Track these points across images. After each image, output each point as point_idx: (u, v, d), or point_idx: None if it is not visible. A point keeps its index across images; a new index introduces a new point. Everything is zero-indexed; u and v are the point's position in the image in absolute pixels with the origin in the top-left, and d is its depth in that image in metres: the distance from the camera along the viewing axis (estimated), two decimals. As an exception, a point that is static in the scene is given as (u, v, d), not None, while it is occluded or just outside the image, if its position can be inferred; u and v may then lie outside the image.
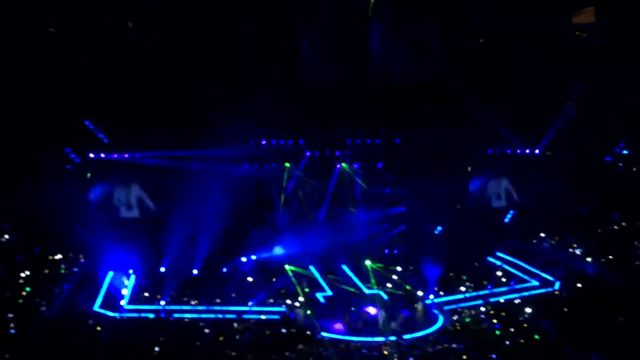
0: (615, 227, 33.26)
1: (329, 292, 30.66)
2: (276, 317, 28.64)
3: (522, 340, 25.42)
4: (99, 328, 27.20)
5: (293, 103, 31.69)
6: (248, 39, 30.51)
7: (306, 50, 31.81)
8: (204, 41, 30.72)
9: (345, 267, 32.70)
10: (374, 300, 29.88)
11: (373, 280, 31.57)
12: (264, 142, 33.50)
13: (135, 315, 29.04)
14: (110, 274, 31.73)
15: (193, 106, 30.93)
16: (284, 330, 27.06)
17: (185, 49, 30.72)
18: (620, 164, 33.97)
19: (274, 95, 30.82)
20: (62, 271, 31.55)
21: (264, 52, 30.74)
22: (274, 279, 31.86)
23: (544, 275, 31.15)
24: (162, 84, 30.58)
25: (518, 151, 34.05)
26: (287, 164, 34.21)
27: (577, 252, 32.94)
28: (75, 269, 31.96)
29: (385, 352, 25.05)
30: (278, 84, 31.18)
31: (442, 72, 32.51)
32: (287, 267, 32.64)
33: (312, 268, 32.50)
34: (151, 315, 28.88)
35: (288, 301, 29.93)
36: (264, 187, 34.55)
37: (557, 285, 30.56)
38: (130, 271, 32.11)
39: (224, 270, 32.62)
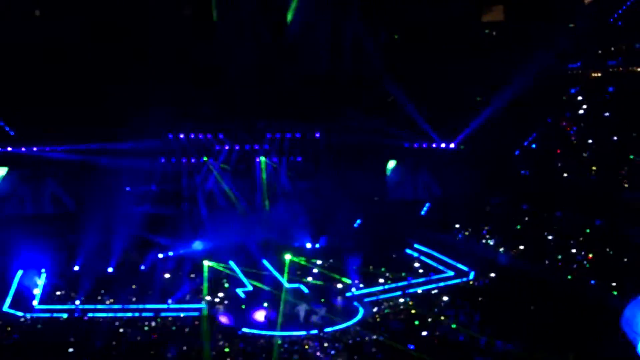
0: (526, 218, 34.43)
1: (249, 288, 30.45)
2: (195, 314, 28.24)
3: (438, 331, 25.97)
4: (8, 328, 26.16)
5: (212, 97, 31.23)
6: (166, 32, 29.74)
7: (225, 43, 31.31)
8: (122, 34, 29.79)
9: (265, 262, 32.51)
10: (294, 294, 29.93)
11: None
12: (181, 136, 32.96)
13: (48, 315, 28.03)
14: (20, 272, 30.42)
15: (109, 100, 29.91)
16: (202, 327, 26.73)
17: (102, 43, 29.71)
18: (529, 158, 35.12)
19: (193, 89, 30.31)
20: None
21: (183, 45, 30.05)
22: (192, 275, 31.34)
23: (459, 265, 31.95)
24: (77, 77, 29.48)
25: (434, 145, 34.70)
26: (206, 158, 33.76)
27: (490, 242, 33.91)
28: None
29: (307, 347, 25.11)
30: (197, 78, 30.59)
31: (361, 66, 32.71)
32: (206, 262, 32.16)
33: (231, 263, 32.14)
34: (65, 315, 27.93)
35: (207, 298, 29.57)
36: (182, 182, 34.03)
37: (471, 275, 31.42)
38: (42, 270, 30.84)
39: (142, 267, 31.75)
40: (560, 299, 26.83)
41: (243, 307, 28.76)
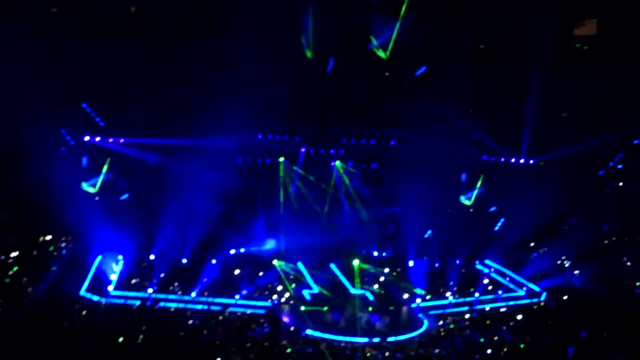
0: (606, 240, 33.25)
1: (316, 290, 30.71)
2: (262, 311, 28.73)
3: (505, 349, 25.42)
4: (84, 312, 27.25)
5: (290, 99, 31.61)
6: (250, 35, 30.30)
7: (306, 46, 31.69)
8: (207, 35, 30.53)
9: (333, 266, 32.71)
10: (358, 300, 30.00)
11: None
12: (259, 136, 33.56)
13: (121, 301, 29.11)
14: (99, 257, 31.70)
15: (192, 96, 30.75)
16: (268, 326, 27.13)
17: (186, 44, 30.57)
18: (613, 179, 33.88)
19: (271, 90, 30.74)
20: (51, 252, 31.61)
21: (265, 48, 30.51)
22: (261, 273, 31.88)
23: (531, 285, 31.17)
24: (163, 77, 30.44)
25: (512, 160, 33.98)
26: (282, 159, 34.23)
27: (566, 263, 32.94)
28: (64, 251, 32.00)
29: (368, 354, 25.11)
30: (277, 79, 31.02)
31: (443, 76, 32.40)
32: (275, 262, 32.64)
33: (300, 264, 32.50)
34: (137, 302, 28.93)
35: (274, 296, 30.02)
36: (258, 181, 34.63)
37: (543, 296, 30.60)
38: (120, 256, 32.09)
39: (214, 261, 32.53)
40: (635, 328, 25.75)
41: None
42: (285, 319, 28.00)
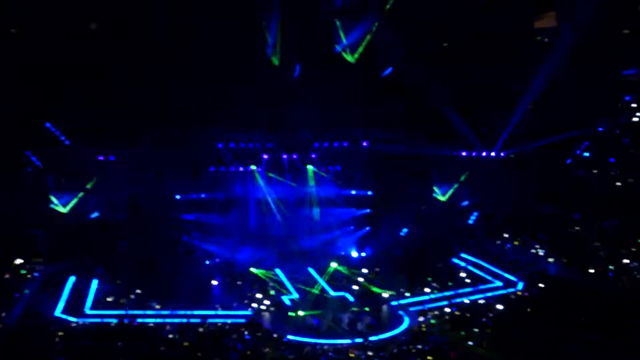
0: (577, 227, 33.69)
1: (295, 295, 30.57)
2: (242, 320, 28.46)
3: (486, 340, 25.50)
4: (60, 333, 26.75)
5: (262, 106, 31.57)
6: (218, 42, 30.24)
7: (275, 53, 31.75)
8: (174, 45, 30.41)
9: (311, 270, 32.61)
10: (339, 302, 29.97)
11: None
12: (231, 145, 33.44)
13: (98, 320, 28.63)
14: (72, 278, 31.16)
15: (160, 107, 30.55)
16: (249, 334, 26.88)
17: (155, 54, 30.41)
18: (582, 167, 34.37)
19: (242, 97, 30.69)
20: (24, 276, 31.07)
21: (234, 55, 30.47)
22: (239, 282, 31.63)
23: (507, 275, 31.41)
24: (128, 87, 30.18)
25: (483, 154, 34.32)
26: (254, 167, 34.14)
27: (540, 252, 33.28)
28: (37, 274, 31.43)
29: (352, 355, 24.99)
30: (247, 85, 31.00)
31: (407, 76, 32.67)
32: (253, 270, 32.44)
33: (278, 271, 32.34)
34: (114, 320, 28.47)
35: (254, 305, 29.79)
36: (230, 190, 34.50)
37: (520, 285, 30.84)
38: (94, 276, 31.59)
39: (190, 273, 32.18)
40: (610, 309, 26.05)
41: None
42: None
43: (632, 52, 32.12)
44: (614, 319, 24.90)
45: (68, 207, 32.87)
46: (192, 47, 30.14)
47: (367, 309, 29.16)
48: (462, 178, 35.05)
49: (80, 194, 33.50)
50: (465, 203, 35.32)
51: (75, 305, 29.34)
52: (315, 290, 30.52)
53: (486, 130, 33.23)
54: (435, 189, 35.21)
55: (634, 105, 33.03)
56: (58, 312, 28.63)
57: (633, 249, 31.01)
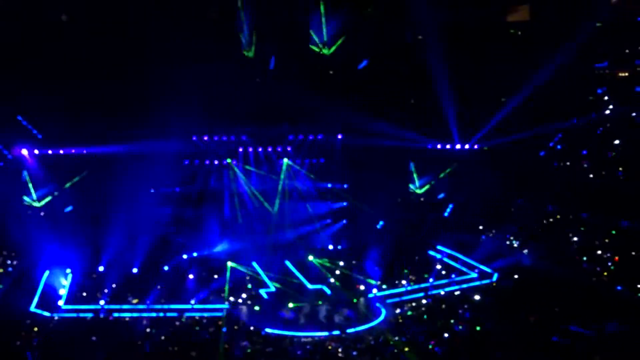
0: (551, 219, 34.12)
1: (272, 289, 30.56)
2: (219, 314, 28.41)
3: (462, 331, 25.77)
4: (35, 328, 26.50)
5: (237, 99, 31.37)
6: (191, 33, 29.97)
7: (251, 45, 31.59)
8: (146, 35, 30.05)
9: (288, 263, 32.64)
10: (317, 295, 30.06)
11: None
12: (205, 138, 33.23)
13: (74, 315, 28.40)
14: (47, 273, 30.83)
15: (134, 101, 30.25)
16: (226, 328, 26.85)
17: (126, 44, 30.07)
18: (555, 159, 34.74)
19: (217, 91, 30.47)
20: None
21: (208, 48, 30.20)
22: (215, 276, 31.55)
23: (482, 267, 31.73)
24: (102, 80, 29.84)
25: (457, 146, 34.55)
26: (229, 160, 33.98)
27: (515, 244, 33.67)
28: (10, 269, 31.04)
29: (329, 347, 25.11)
30: (222, 80, 30.78)
31: (383, 68, 32.76)
32: (229, 263, 32.36)
33: (254, 264, 32.30)
34: (90, 315, 28.27)
35: (231, 298, 29.74)
36: (205, 183, 34.31)
37: (495, 277, 31.20)
38: (68, 270, 31.26)
39: (165, 268, 31.99)
40: (584, 301, 26.48)
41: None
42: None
43: (604, 45, 32.55)
44: (588, 309, 25.33)
45: (42, 202, 32.38)
46: (166, 40, 29.79)
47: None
48: (442, 173, 35.15)
49: (54, 190, 32.98)
50: (441, 195, 35.47)
51: (49, 300, 29.14)
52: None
53: (461, 123, 33.35)
54: (411, 182, 35.27)
55: (606, 97, 33.43)
56: (33, 307, 28.42)
57: (606, 240, 31.52)
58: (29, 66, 29.55)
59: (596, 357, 22.20)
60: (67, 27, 30.73)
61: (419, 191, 35.21)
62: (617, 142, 33.36)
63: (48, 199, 32.94)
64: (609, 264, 30.38)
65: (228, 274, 31.58)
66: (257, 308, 28.85)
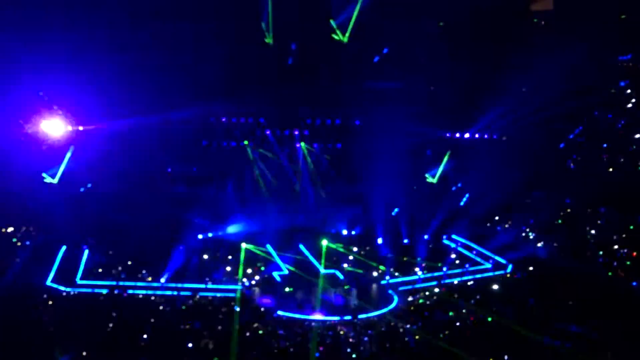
0: (569, 212, 33.87)
1: (285, 271, 30.73)
2: (232, 294, 28.63)
3: (474, 322, 25.73)
4: (51, 302, 26.87)
5: (254, 81, 31.33)
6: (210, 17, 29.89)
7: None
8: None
9: (302, 247, 32.77)
10: (329, 279, 30.17)
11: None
12: (223, 119, 33.30)
13: (89, 290, 28.77)
14: (64, 248, 31.20)
15: (152, 82, 30.29)
16: (239, 309, 27.04)
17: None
18: (575, 152, 34.43)
19: (234, 73, 30.44)
20: (15, 244, 31.10)
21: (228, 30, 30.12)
22: (230, 257, 31.74)
23: (497, 258, 31.64)
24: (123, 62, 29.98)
25: (476, 135, 34.37)
26: (246, 142, 34.03)
27: (530, 236, 33.50)
28: (28, 242, 31.45)
29: (341, 332, 25.23)
30: (239, 62, 30.71)
31: (403, 55, 32.52)
32: (244, 245, 32.55)
33: (268, 246, 32.46)
34: (105, 291, 28.61)
35: (244, 280, 29.94)
36: (222, 165, 34.40)
37: (509, 268, 31.10)
38: (85, 246, 31.65)
39: (181, 247, 32.24)
40: (599, 296, 26.29)
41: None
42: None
43: (628, 38, 32.07)
44: (604, 304, 25.15)
45: (57, 178, 32.58)
46: (187, 21, 29.76)
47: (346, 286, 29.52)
48: (449, 159, 34.95)
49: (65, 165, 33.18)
50: (458, 185, 35.33)
51: (66, 275, 29.52)
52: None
53: (480, 112, 33.11)
54: (429, 171, 35.12)
55: (628, 91, 33.01)
56: (49, 282, 28.81)
57: (624, 235, 31.25)
58: (50, 41, 29.62)
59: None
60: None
61: (433, 180, 35.02)
62: (638, 135, 33.00)
63: (59, 174, 32.95)
64: (626, 259, 30.14)
65: (242, 255, 31.82)
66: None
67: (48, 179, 32.25)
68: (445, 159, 34.75)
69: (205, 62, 29.44)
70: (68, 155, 32.63)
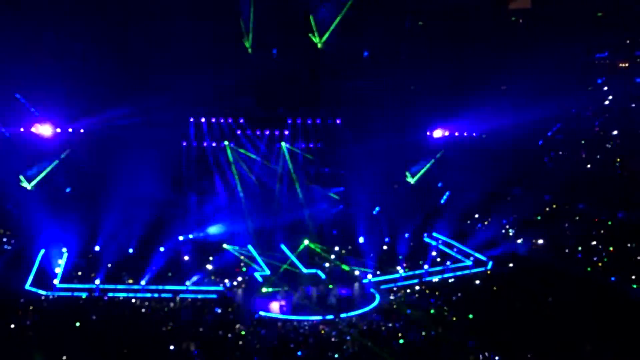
0: (547, 209, 34.14)
1: (267, 272, 30.68)
2: (213, 296, 28.54)
3: (455, 319, 25.82)
4: (31, 307, 26.57)
5: (235, 82, 31.21)
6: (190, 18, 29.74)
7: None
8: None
9: (283, 247, 32.74)
10: (311, 279, 30.17)
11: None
12: (202, 120, 33.19)
13: (69, 294, 28.52)
14: (42, 251, 30.91)
15: (131, 81, 30.12)
16: (220, 310, 26.94)
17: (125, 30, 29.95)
18: (553, 149, 34.74)
19: (214, 74, 30.32)
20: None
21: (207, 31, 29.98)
22: (211, 258, 31.60)
23: (477, 255, 31.82)
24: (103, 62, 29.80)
25: (456, 134, 34.56)
26: (227, 142, 33.90)
27: (510, 233, 33.75)
28: (6, 247, 31.13)
29: (323, 331, 25.22)
30: (219, 62, 30.59)
31: (382, 53, 32.57)
32: (225, 246, 32.45)
33: (250, 247, 32.40)
34: (84, 295, 28.37)
35: (226, 281, 29.85)
36: (203, 166, 34.26)
37: (489, 265, 31.31)
38: (64, 249, 31.36)
39: (161, 249, 32.01)
40: (579, 291, 26.51)
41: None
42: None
43: (604, 35, 32.38)
44: (582, 299, 25.36)
45: (32, 184, 32.22)
46: (167, 22, 29.61)
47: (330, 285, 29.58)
48: (428, 158, 35.13)
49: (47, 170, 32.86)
50: (439, 185, 35.51)
51: (44, 278, 29.25)
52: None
53: (460, 111, 33.24)
54: (409, 169, 35.23)
55: (605, 88, 33.34)
56: (28, 286, 28.54)
57: (602, 231, 31.58)
58: (27, 44, 29.36)
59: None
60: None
61: (411, 180, 35.11)
62: (615, 132, 33.36)
63: (37, 179, 32.60)
64: (605, 255, 30.47)
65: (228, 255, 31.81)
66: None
67: (24, 184, 31.95)
68: (429, 164, 35.00)
69: (186, 62, 29.36)
70: (53, 164, 32.42)
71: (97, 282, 28.93)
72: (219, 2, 30.19)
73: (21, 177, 31.77)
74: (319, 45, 31.17)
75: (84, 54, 30.12)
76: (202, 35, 29.63)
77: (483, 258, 31.64)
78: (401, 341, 23.70)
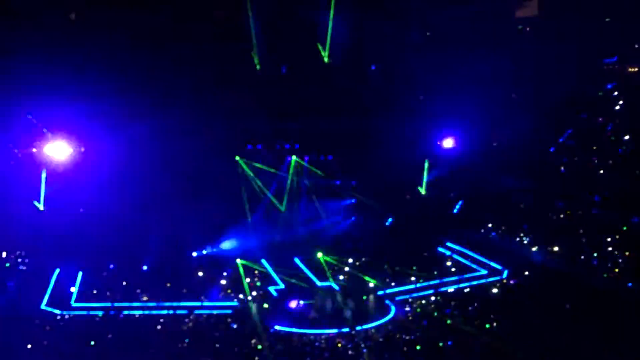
0: (561, 215, 33.98)
1: (282, 286, 30.65)
2: (228, 312, 28.54)
3: (472, 330, 25.72)
4: (47, 327, 26.68)
5: (242, 93, 31.26)
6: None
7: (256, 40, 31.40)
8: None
9: (297, 260, 32.71)
10: (326, 292, 30.11)
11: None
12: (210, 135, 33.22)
13: (84, 312, 28.60)
14: (57, 270, 31.00)
15: (138, 95, 30.21)
16: (235, 325, 26.95)
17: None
18: (565, 155, 34.58)
19: (222, 85, 30.39)
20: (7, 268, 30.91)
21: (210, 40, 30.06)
22: (225, 274, 31.60)
23: (492, 264, 31.67)
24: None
25: (466, 143, 34.42)
26: (237, 157, 33.94)
27: (524, 240, 33.58)
28: (21, 267, 31.26)
29: (339, 345, 25.16)
30: (225, 73, 30.67)
31: (391, 65, 32.59)
32: (238, 261, 32.46)
33: (263, 261, 32.39)
34: (100, 313, 28.44)
35: (240, 296, 29.85)
36: (213, 180, 34.26)
37: (505, 273, 31.14)
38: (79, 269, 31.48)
39: (175, 265, 32.03)
40: (595, 298, 26.37)
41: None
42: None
43: (613, 40, 32.32)
44: (598, 307, 25.21)
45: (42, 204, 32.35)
46: (172, 39, 29.74)
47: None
48: (440, 167, 34.95)
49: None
50: (452, 194, 35.35)
51: (60, 297, 29.34)
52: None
53: (470, 120, 33.15)
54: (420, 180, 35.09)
55: (615, 93, 33.23)
56: (43, 305, 28.63)
57: (617, 237, 31.40)
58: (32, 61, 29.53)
59: None
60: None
61: (422, 190, 34.99)
62: (627, 137, 33.22)
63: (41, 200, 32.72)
64: (621, 261, 30.26)
65: (241, 270, 31.77)
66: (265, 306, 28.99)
67: (37, 204, 32.09)
68: (440, 174, 34.82)
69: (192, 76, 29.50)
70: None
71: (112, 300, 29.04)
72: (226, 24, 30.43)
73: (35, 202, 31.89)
74: (326, 60, 31.25)
75: (100, 74, 30.20)
76: (211, 54, 29.85)
77: (498, 267, 31.48)
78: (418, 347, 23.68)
